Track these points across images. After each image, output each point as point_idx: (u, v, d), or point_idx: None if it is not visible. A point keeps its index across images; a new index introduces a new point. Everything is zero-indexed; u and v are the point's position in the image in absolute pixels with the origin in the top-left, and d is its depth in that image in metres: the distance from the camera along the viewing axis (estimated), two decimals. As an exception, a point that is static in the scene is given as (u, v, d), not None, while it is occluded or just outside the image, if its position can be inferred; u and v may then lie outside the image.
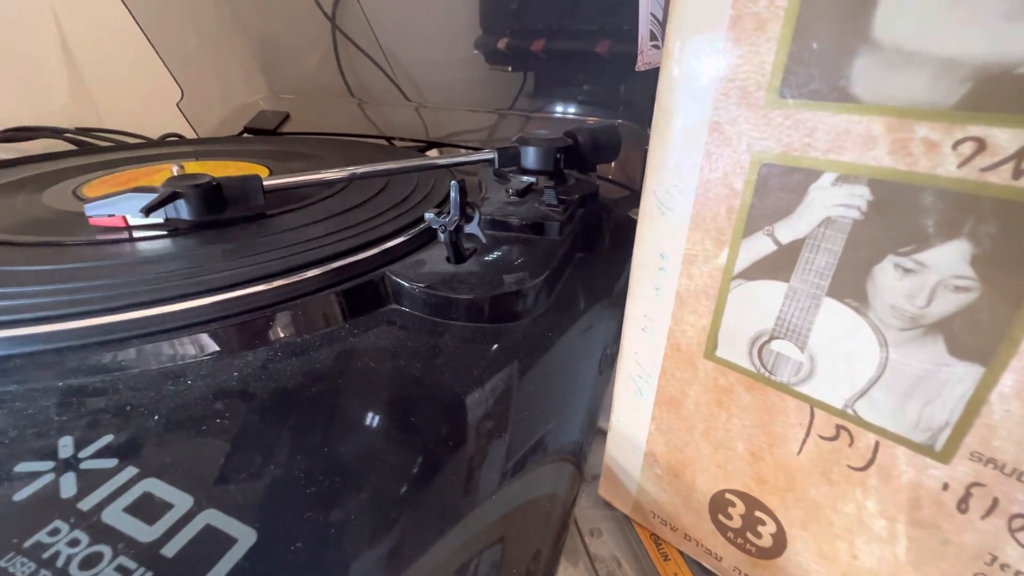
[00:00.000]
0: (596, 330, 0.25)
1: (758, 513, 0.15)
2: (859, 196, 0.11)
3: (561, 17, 0.45)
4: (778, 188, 0.12)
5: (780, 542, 0.15)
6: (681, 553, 0.18)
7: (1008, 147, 0.09)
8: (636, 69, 0.29)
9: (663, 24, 0.26)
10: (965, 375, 0.10)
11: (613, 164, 0.44)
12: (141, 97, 0.57)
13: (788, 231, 0.12)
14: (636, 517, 0.19)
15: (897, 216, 0.10)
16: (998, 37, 0.09)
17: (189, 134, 0.56)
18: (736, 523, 0.16)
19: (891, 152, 0.10)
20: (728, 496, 0.16)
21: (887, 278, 0.11)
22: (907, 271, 0.11)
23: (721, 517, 0.16)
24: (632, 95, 0.44)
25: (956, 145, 0.09)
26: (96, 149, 0.44)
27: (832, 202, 0.11)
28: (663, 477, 0.17)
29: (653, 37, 0.26)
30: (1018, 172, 0.09)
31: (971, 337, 0.10)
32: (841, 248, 0.11)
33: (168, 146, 0.46)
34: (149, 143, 0.49)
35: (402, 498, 0.14)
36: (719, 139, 0.12)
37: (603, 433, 0.20)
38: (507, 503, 0.17)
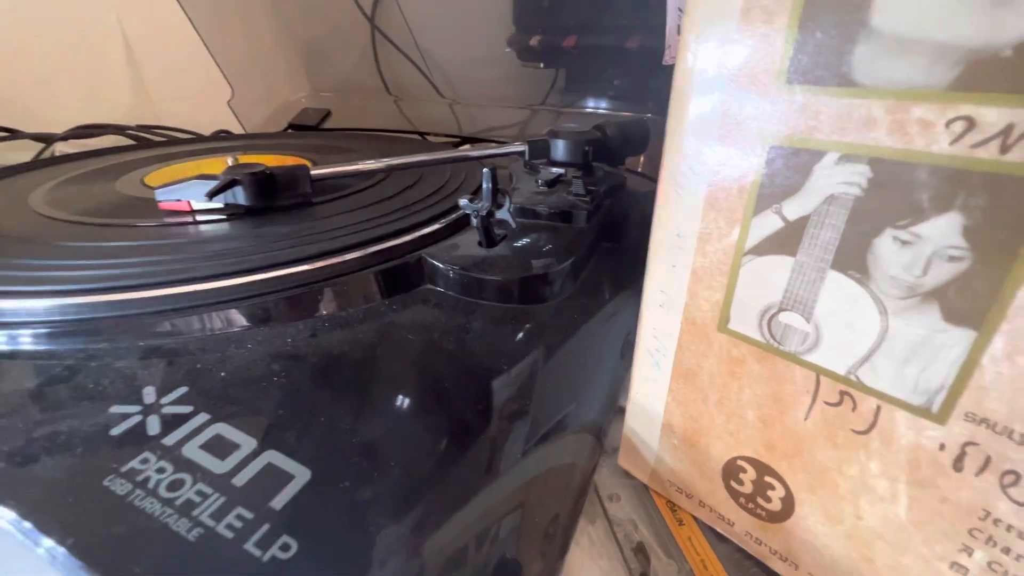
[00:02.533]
0: (620, 316, 0.26)
1: (767, 478, 0.16)
2: (860, 174, 0.12)
3: (593, 13, 0.46)
4: (785, 168, 0.13)
5: (788, 506, 0.16)
6: (695, 519, 0.19)
7: (996, 124, 0.10)
8: (663, 63, 0.30)
9: (690, 18, 0.27)
10: (959, 339, 0.11)
11: (642, 158, 0.44)
12: (194, 96, 0.61)
13: (795, 208, 0.13)
14: (653, 485, 0.20)
15: (895, 192, 0.11)
16: (985, 23, 0.09)
17: (237, 131, 0.60)
18: (747, 488, 0.17)
19: (889, 132, 0.11)
20: (740, 463, 0.17)
21: (886, 250, 0.12)
22: (904, 243, 0.11)
23: (733, 483, 0.17)
24: (661, 89, 0.44)
25: (949, 124, 0.10)
26: (155, 144, 0.48)
27: (835, 180, 0.12)
28: (679, 447, 0.18)
29: (680, 31, 0.27)
30: (1004, 147, 0.10)
31: (964, 303, 0.11)
32: (844, 223, 0.12)
33: (219, 141, 0.49)
34: (201, 139, 0.53)
35: (436, 457, 0.16)
36: (731, 123, 0.13)
37: (623, 411, 0.21)
38: (532, 470, 0.18)
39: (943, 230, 0.11)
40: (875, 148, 0.11)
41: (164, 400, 0.16)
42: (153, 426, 0.15)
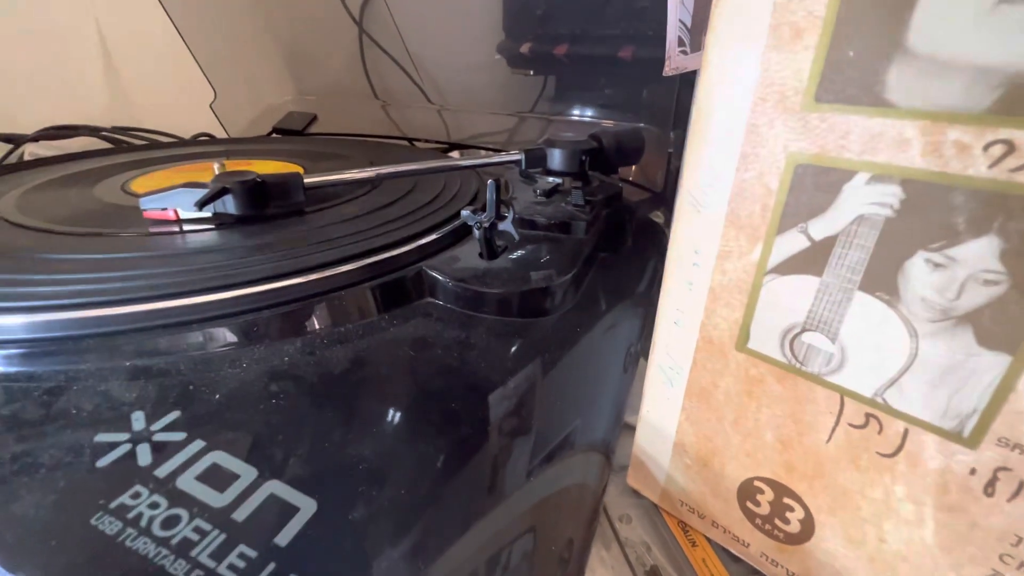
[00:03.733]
0: (621, 328, 0.26)
1: (786, 500, 0.16)
2: (892, 195, 0.11)
3: (586, 22, 0.46)
4: (812, 187, 0.12)
5: (808, 528, 0.15)
6: (708, 539, 0.18)
7: (1037, 149, 0.10)
8: (664, 74, 0.30)
9: (690, 31, 0.27)
10: (993, 364, 0.11)
11: (635, 167, 0.44)
12: (175, 98, 0.59)
13: (821, 228, 0.13)
14: (664, 505, 0.20)
15: (928, 214, 0.11)
16: (1028, 47, 0.09)
17: (220, 134, 0.58)
18: (764, 510, 0.16)
19: (923, 154, 0.11)
20: (757, 484, 0.16)
21: (918, 272, 0.11)
22: (938, 266, 0.11)
23: (749, 504, 0.17)
24: (654, 99, 0.44)
25: (987, 147, 0.10)
26: (133, 147, 0.46)
27: (865, 200, 0.12)
28: (692, 466, 0.18)
29: (681, 43, 0.27)
30: (1046, 172, 0.10)
31: (1000, 328, 0.11)
32: (873, 244, 0.12)
33: (200, 145, 0.48)
34: (182, 142, 0.51)
35: (442, 478, 0.15)
36: (755, 140, 0.13)
37: (629, 427, 0.21)
38: (539, 491, 0.18)
39: (979, 253, 0.11)
40: (908, 169, 0.11)
41: (155, 426, 0.15)
42: (144, 456, 0.14)
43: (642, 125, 0.44)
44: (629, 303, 0.27)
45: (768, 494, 0.16)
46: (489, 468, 0.17)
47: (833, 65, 0.12)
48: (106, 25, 0.56)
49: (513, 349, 0.20)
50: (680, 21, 0.27)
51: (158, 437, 0.14)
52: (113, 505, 0.12)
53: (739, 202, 0.14)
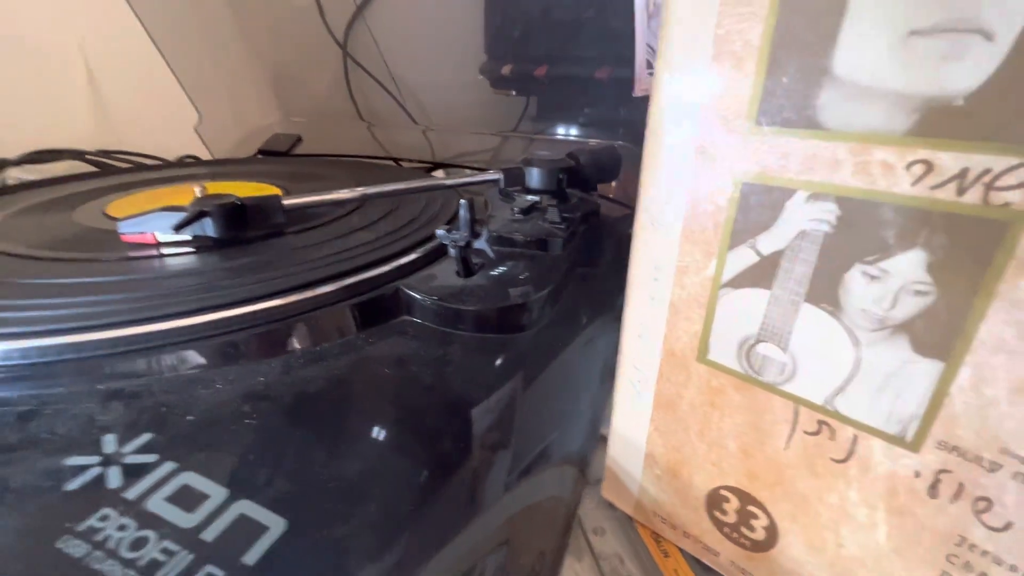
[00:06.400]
0: (598, 342, 0.26)
1: (751, 508, 0.16)
2: (829, 212, 0.12)
3: (563, 44, 0.47)
4: (758, 205, 0.13)
5: (772, 535, 0.16)
6: (680, 550, 0.19)
7: (951, 168, 0.10)
8: (633, 95, 0.31)
9: (658, 53, 0.28)
10: (929, 370, 0.12)
11: (614, 184, 0.45)
12: (160, 121, 0.59)
13: (768, 243, 0.13)
14: (638, 516, 0.20)
15: (862, 229, 0.12)
16: (937, 75, 0.10)
17: (205, 156, 0.58)
18: (731, 518, 0.17)
19: (854, 173, 0.12)
20: (723, 492, 0.17)
21: (856, 285, 0.12)
22: (873, 278, 0.12)
23: (717, 513, 0.17)
24: (631, 118, 0.45)
25: (909, 166, 0.11)
26: (117, 170, 0.46)
27: (806, 217, 0.12)
28: (662, 477, 0.18)
29: (649, 66, 0.28)
30: (961, 189, 0.10)
31: (932, 336, 0.11)
32: (815, 258, 0.13)
33: (185, 167, 0.48)
34: (167, 164, 0.51)
35: (418, 496, 0.15)
36: (704, 161, 0.14)
37: (606, 440, 0.21)
38: (515, 505, 0.18)
39: (909, 266, 0.11)
40: (842, 187, 0.12)
41: (126, 448, 0.15)
42: (114, 478, 0.14)
43: (619, 143, 0.45)
44: (607, 317, 0.27)
45: (734, 502, 0.16)
46: (464, 485, 0.17)
47: (770, 91, 0.12)
48: (90, 47, 0.57)
49: (490, 365, 0.21)
50: (648, 45, 0.28)
51: (129, 459, 0.14)
52: (80, 528, 0.12)
53: (693, 219, 0.15)
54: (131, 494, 0.13)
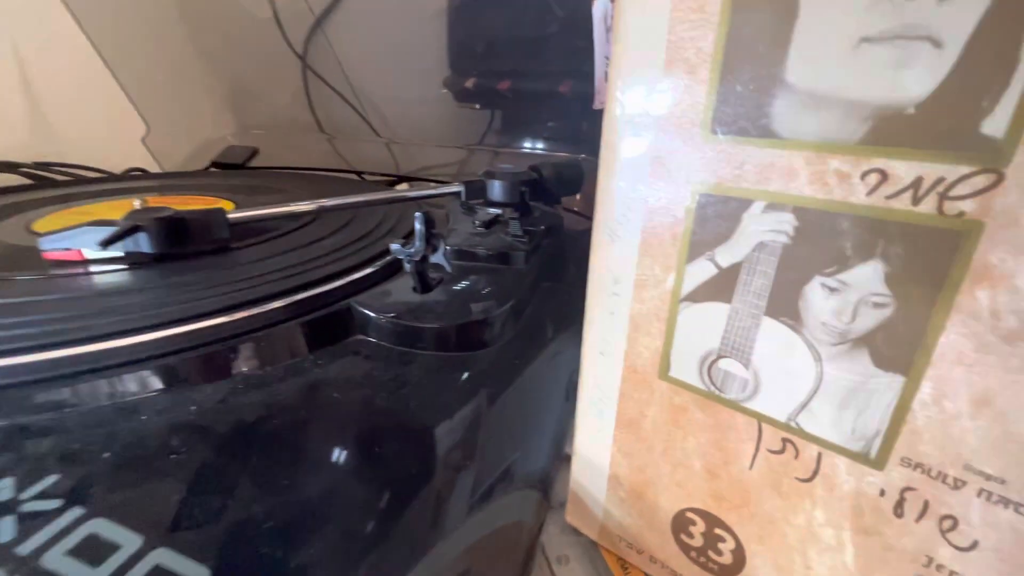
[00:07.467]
0: (562, 357, 0.25)
1: (717, 530, 0.15)
2: (786, 222, 0.12)
3: (526, 59, 0.47)
4: (715, 216, 0.13)
5: (740, 558, 0.15)
6: (647, 576, 0.18)
7: (905, 177, 0.10)
8: (593, 108, 0.31)
9: (617, 66, 0.28)
10: (890, 385, 0.11)
11: (578, 196, 0.45)
12: (104, 131, 0.56)
13: (727, 255, 0.13)
14: (603, 541, 0.19)
15: (820, 240, 0.11)
16: (889, 83, 0.10)
17: (154, 169, 0.56)
18: (698, 542, 0.16)
19: (810, 182, 0.11)
20: (689, 515, 0.16)
21: (816, 297, 0.12)
22: (832, 290, 0.11)
23: (683, 536, 0.16)
24: (595, 131, 0.45)
25: (864, 176, 0.10)
26: (53, 183, 0.43)
27: (763, 228, 0.12)
28: (627, 499, 0.18)
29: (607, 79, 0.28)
30: (916, 199, 0.10)
31: (892, 350, 0.11)
32: (774, 270, 0.12)
33: (130, 180, 0.46)
34: (111, 177, 0.49)
35: (367, 532, 0.14)
36: (661, 171, 0.13)
37: (570, 459, 0.20)
38: (473, 533, 0.17)
39: (867, 277, 0.11)
40: (798, 197, 0.11)
41: (25, 495, 0.13)
42: (6, 530, 0.12)
43: (583, 156, 0.45)
44: (571, 331, 0.27)
45: (700, 525, 0.16)
46: (419, 519, 0.16)
47: (724, 99, 0.12)
48: (24, 51, 0.53)
49: (449, 385, 0.20)
50: (606, 58, 0.28)
51: (27, 507, 0.13)
52: (-42, 593, 0.11)
53: (651, 231, 0.14)
54: (25, 549, 0.12)
